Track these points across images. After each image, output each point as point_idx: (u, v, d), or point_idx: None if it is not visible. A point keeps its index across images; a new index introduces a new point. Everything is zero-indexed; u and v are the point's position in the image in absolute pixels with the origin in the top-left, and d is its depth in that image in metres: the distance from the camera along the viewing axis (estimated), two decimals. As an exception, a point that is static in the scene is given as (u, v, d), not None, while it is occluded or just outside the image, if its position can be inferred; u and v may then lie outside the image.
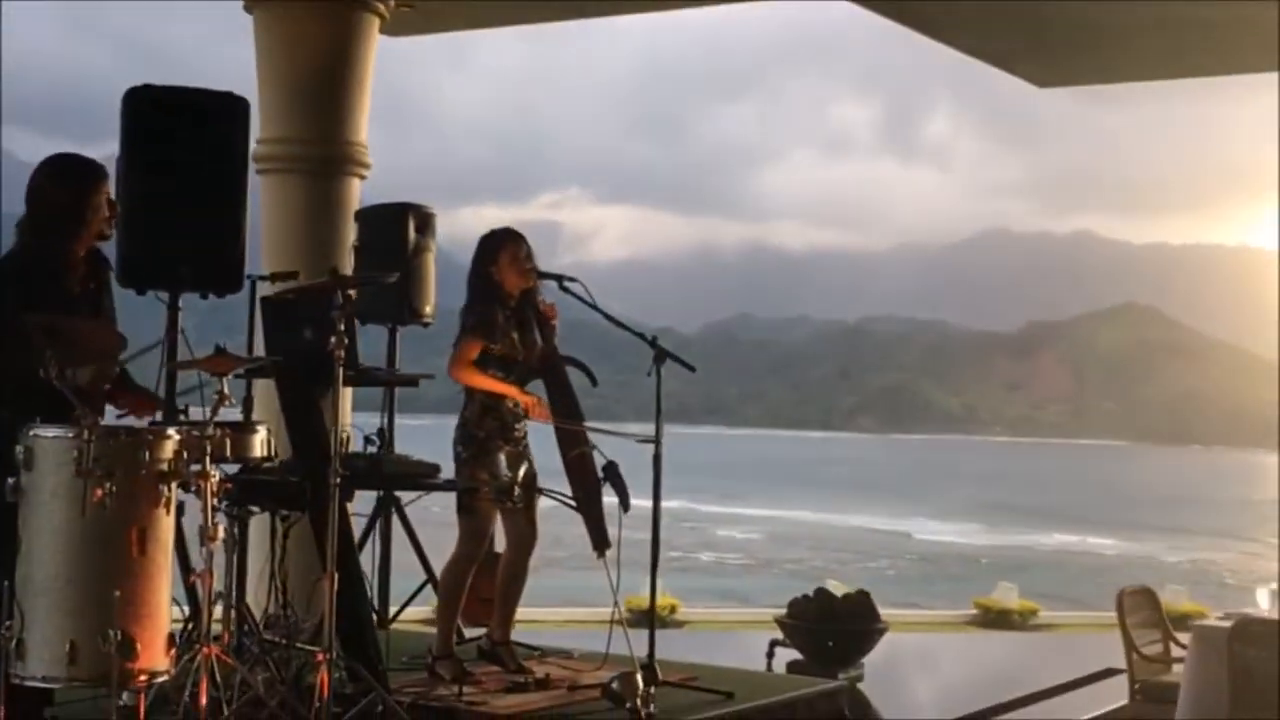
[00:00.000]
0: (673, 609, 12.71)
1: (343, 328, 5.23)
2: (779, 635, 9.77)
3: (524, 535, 6.58)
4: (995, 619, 14.90)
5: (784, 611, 10.02)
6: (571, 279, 6.50)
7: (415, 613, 8.93)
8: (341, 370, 5.23)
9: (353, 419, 7.63)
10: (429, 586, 8.21)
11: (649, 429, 6.13)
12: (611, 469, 6.29)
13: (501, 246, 6.51)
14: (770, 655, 9.61)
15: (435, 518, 7.41)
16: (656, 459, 6.18)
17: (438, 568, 8.18)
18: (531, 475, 6.57)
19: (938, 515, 59.64)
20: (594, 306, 6.45)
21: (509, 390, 6.39)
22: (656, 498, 6.20)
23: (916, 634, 10.91)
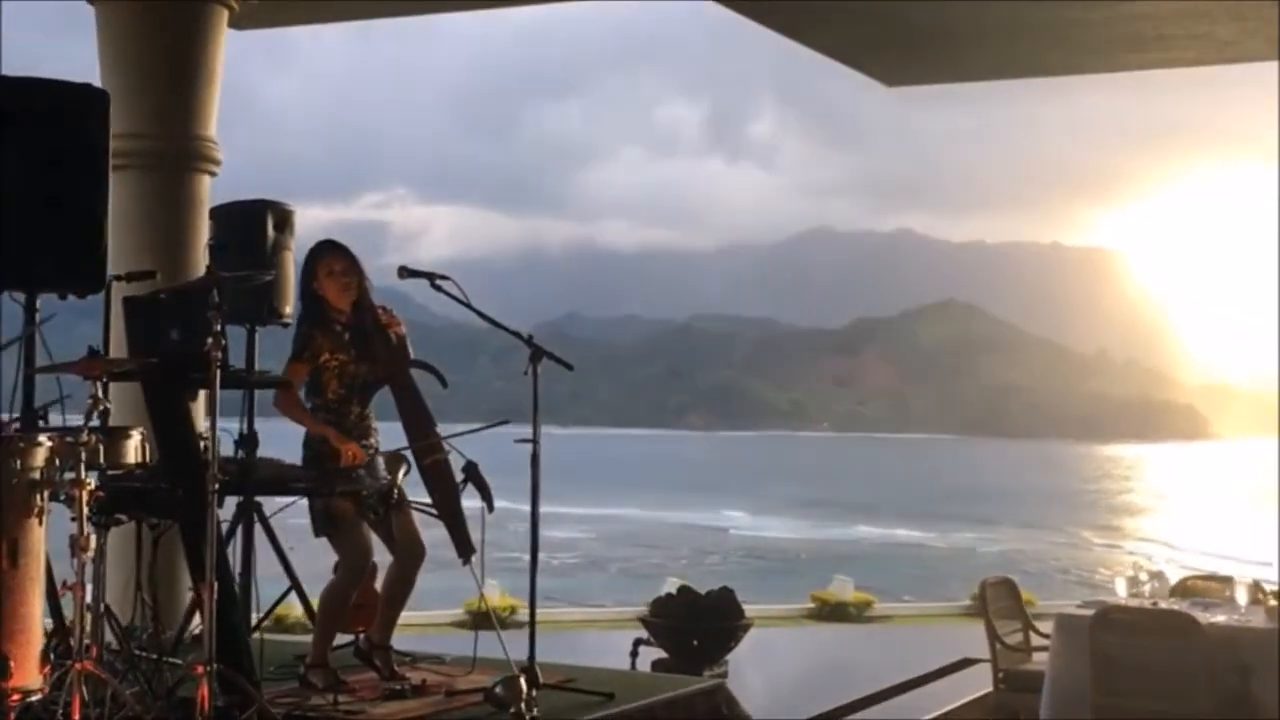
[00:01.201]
0: (513, 610, 12.66)
1: (220, 328, 5.04)
2: (634, 634, 9.76)
3: (409, 547, 6.43)
4: (832, 612, 15.12)
5: (643, 610, 10.01)
6: (444, 277, 6.37)
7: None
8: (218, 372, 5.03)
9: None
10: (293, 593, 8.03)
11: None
12: (472, 469, 6.18)
13: (318, 260, 6.35)
14: (635, 654, 9.58)
15: (291, 523, 7.24)
16: (534, 459, 6.12)
17: (300, 572, 8.04)
18: (392, 484, 6.42)
19: (767, 511, 60.52)
20: (467, 305, 6.34)
21: (324, 431, 6.18)
22: (535, 497, 6.11)
23: (757, 629, 11.08)
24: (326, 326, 6.28)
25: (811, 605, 15.41)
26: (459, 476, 6.30)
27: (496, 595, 14.51)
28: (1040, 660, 7.77)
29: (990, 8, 9.04)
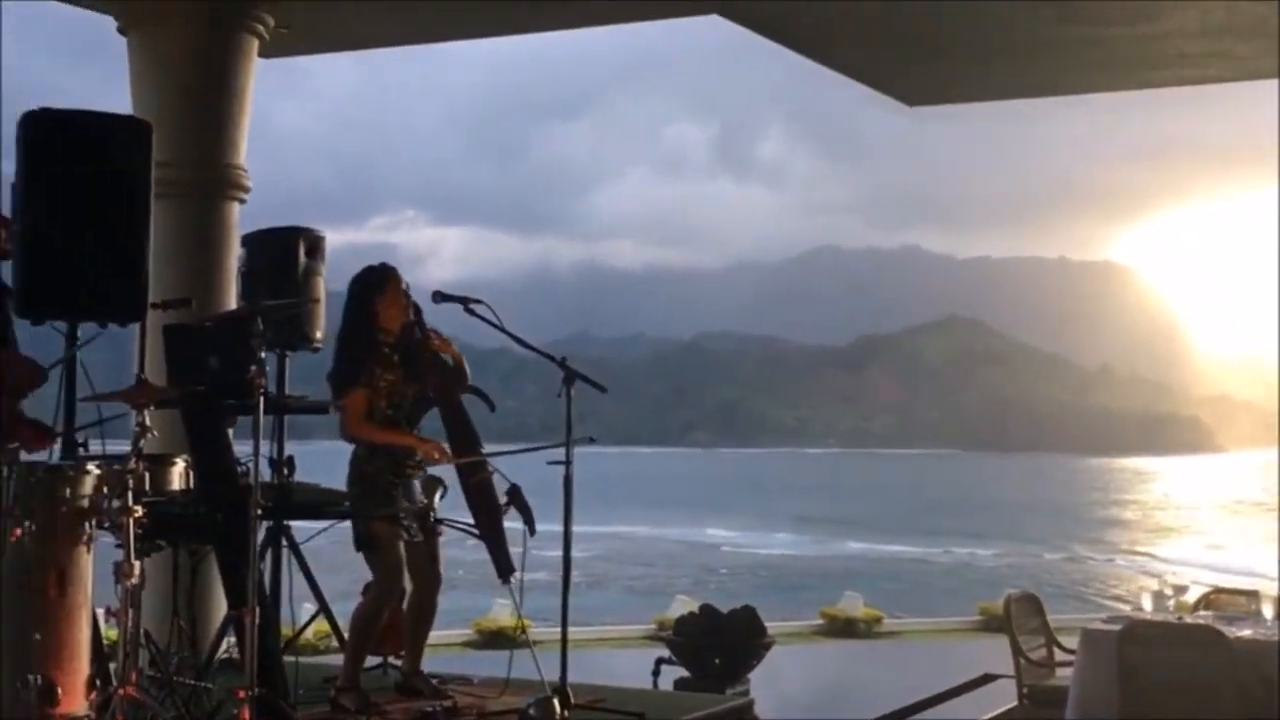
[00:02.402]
0: (524, 629, 12.68)
1: (262, 356, 5.11)
2: (645, 651, 9.79)
3: (428, 573, 6.50)
4: (842, 628, 15.13)
5: (652, 628, 10.04)
6: (477, 301, 6.44)
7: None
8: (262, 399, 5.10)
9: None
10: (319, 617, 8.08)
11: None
12: (515, 492, 6.24)
13: (383, 283, 6.43)
14: (656, 673, 9.60)
15: (322, 548, 7.29)
16: (567, 480, 6.17)
17: (328, 596, 8.09)
18: (431, 507, 6.49)
19: (772, 527, 60.43)
20: (500, 328, 6.41)
21: (410, 441, 6.32)
22: (568, 518, 6.17)
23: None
24: (375, 348, 6.35)
25: (821, 621, 15.44)
26: (501, 498, 6.36)
27: (506, 614, 14.54)
28: (1064, 675, 7.79)
29: (1013, 27, 9.10)
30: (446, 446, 6.46)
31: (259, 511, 5.18)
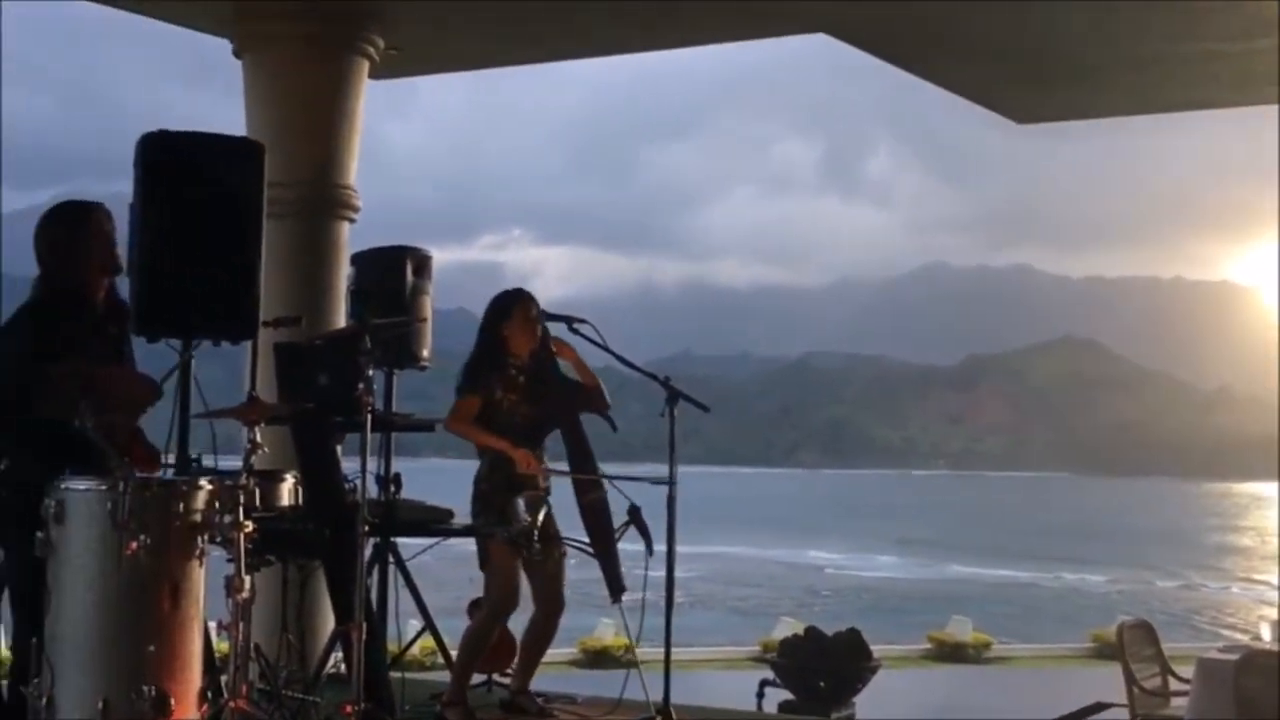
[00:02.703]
0: (627, 649, 12.67)
1: (370, 374, 5.17)
2: (749, 673, 9.75)
3: (551, 597, 6.52)
4: (950, 652, 14.94)
5: (756, 650, 10.00)
6: (581, 320, 6.48)
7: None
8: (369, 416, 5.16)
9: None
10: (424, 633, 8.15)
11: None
12: (635, 512, 6.24)
13: (515, 306, 6.49)
14: (761, 695, 9.57)
15: (428, 565, 7.35)
16: (670, 501, 6.16)
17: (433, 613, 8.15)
18: (551, 526, 6.50)
19: (879, 549, 59.88)
20: (605, 348, 6.42)
21: (499, 444, 6.34)
22: (671, 539, 6.16)
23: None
24: (501, 368, 6.40)
25: (929, 645, 15.28)
26: (621, 518, 6.37)
27: (611, 634, 14.57)
28: (1179, 705, 7.65)
29: (1127, 43, 8.96)
30: (546, 481, 6.49)
31: (365, 528, 5.23)
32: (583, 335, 6.47)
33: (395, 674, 6.82)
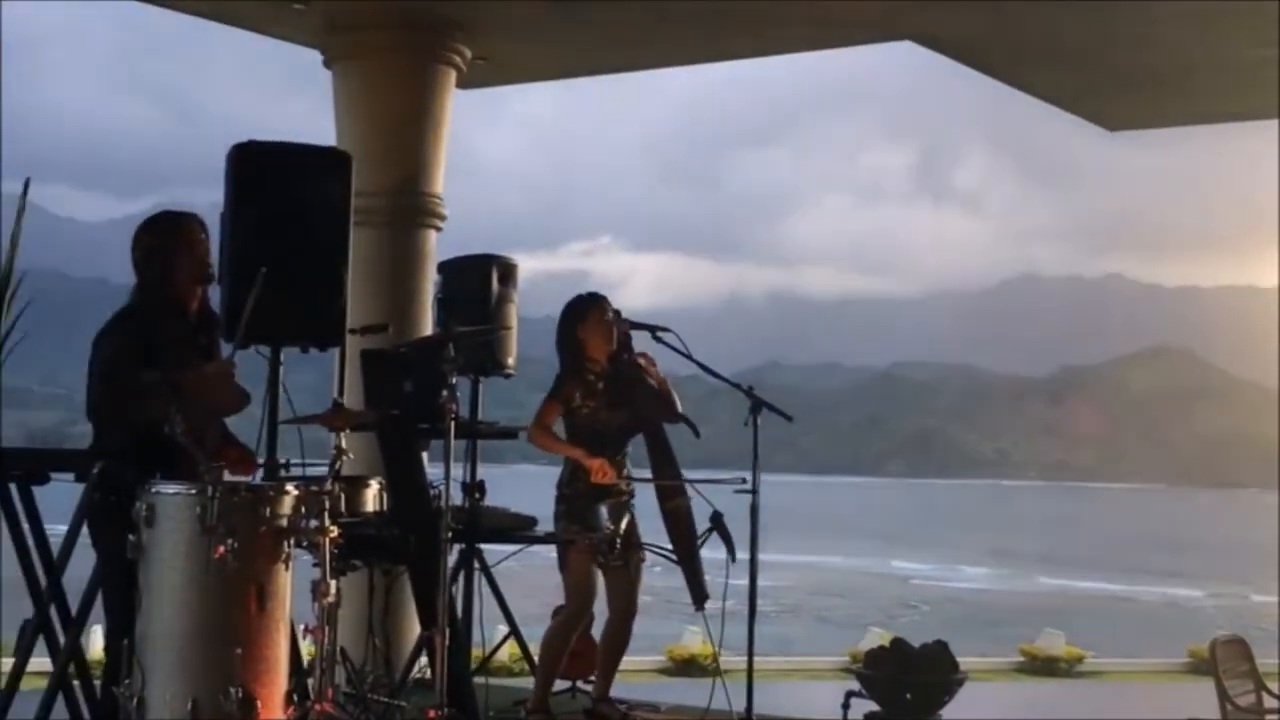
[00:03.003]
0: (713, 657, 12.63)
1: (454, 381, 5.22)
2: (837, 684, 9.68)
3: (625, 602, 6.54)
4: (1041, 666, 14.77)
5: (844, 660, 9.93)
6: (665, 329, 6.49)
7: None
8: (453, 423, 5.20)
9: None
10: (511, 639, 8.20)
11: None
12: (718, 519, 6.23)
13: (589, 311, 6.51)
14: (846, 706, 9.49)
15: (503, 569, 7.39)
16: (754, 509, 6.15)
17: (520, 619, 8.19)
18: (633, 533, 6.52)
19: (969, 560, 59.32)
20: (689, 356, 6.43)
21: (574, 453, 6.38)
22: (754, 547, 6.16)
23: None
24: (580, 374, 6.44)
25: (1020, 659, 15.11)
26: (704, 525, 6.37)
27: (699, 642, 14.54)
28: (1274, 724, 7.51)
29: (1217, 48, 8.83)
30: (628, 487, 6.51)
31: (448, 534, 5.27)
32: (666, 344, 6.48)
33: (481, 680, 6.90)
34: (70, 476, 5.44)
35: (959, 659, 10.58)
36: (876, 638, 13.17)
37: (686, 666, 14.28)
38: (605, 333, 6.48)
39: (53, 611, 5.85)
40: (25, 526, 5.78)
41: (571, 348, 6.49)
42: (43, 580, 5.82)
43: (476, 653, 7.40)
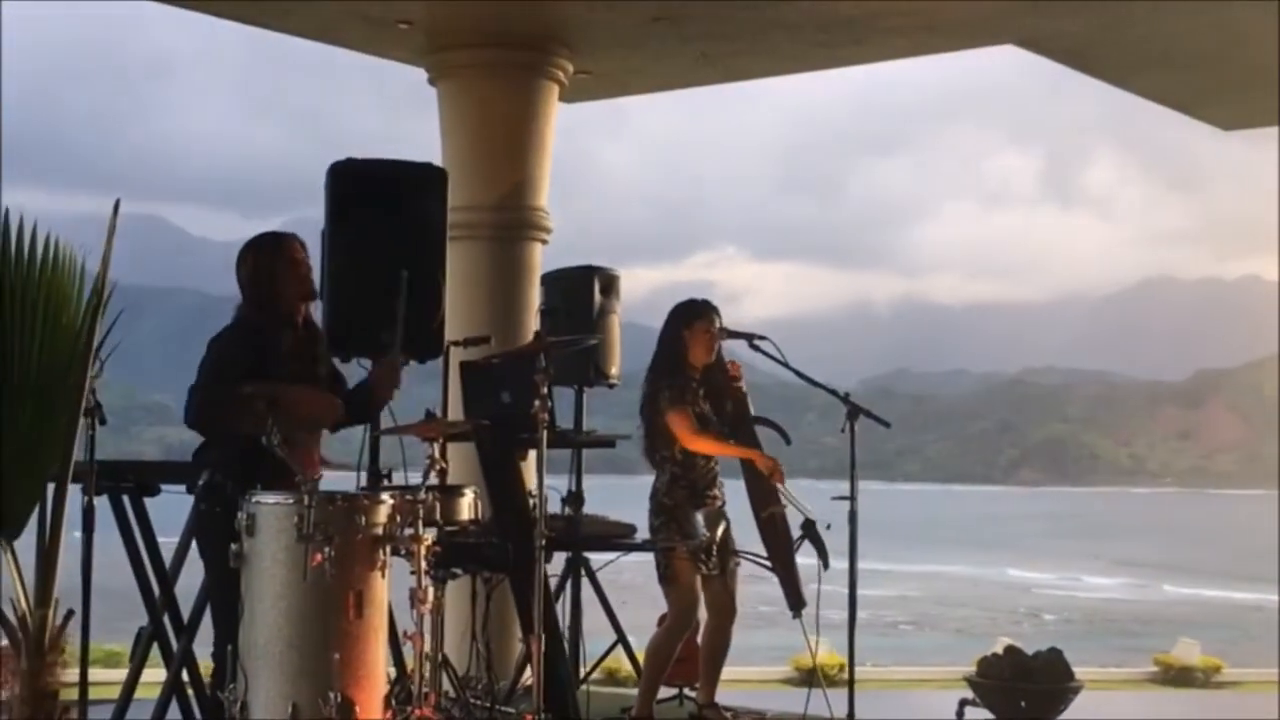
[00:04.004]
0: (841, 668, 12.57)
1: (546, 391, 5.29)
2: (960, 694, 9.57)
3: (723, 605, 6.56)
4: (1176, 676, 14.44)
5: (971, 670, 9.80)
6: (762, 337, 6.50)
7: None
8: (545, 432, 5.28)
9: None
10: (619, 647, 8.26)
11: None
12: (809, 527, 6.23)
13: (695, 317, 6.55)
14: (960, 714, 9.41)
15: (623, 579, 7.44)
16: (852, 516, 6.14)
17: (627, 628, 8.25)
18: (728, 540, 6.54)
19: (1103, 569, 58.27)
20: (785, 364, 6.44)
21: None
22: (853, 555, 6.15)
23: (1096, 692, 10.59)
24: (682, 380, 6.48)
25: (1154, 669, 14.79)
26: (796, 532, 6.38)
27: (825, 652, 14.48)
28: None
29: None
30: (721, 493, 6.53)
31: (543, 542, 5.35)
32: (764, 352, 6.49)
33: (592, 688, 6.96)
34: (181, 488, 5.63)
35: (1091, 669, 10.42)
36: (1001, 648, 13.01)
37: (811, 677, 14.20)
38: (708, 343, 6.51)
39: (166, 620, 6.06)
40: (138, 537, 5.98)
41: (674, 348, 6.52)
42: (155, 589, 6.02)
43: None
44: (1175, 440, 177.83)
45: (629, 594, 7.52)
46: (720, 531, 6.47)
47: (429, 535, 5.15)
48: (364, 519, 4.85)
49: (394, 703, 5.13)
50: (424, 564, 5.06)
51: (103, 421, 4.87)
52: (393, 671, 6.01)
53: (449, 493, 5.57)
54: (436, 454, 5.17)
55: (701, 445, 6.40)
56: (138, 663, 6.14)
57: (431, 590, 5.20)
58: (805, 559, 6.46)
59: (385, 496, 5.00)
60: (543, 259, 9.01)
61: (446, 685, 6.06)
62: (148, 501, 5.99)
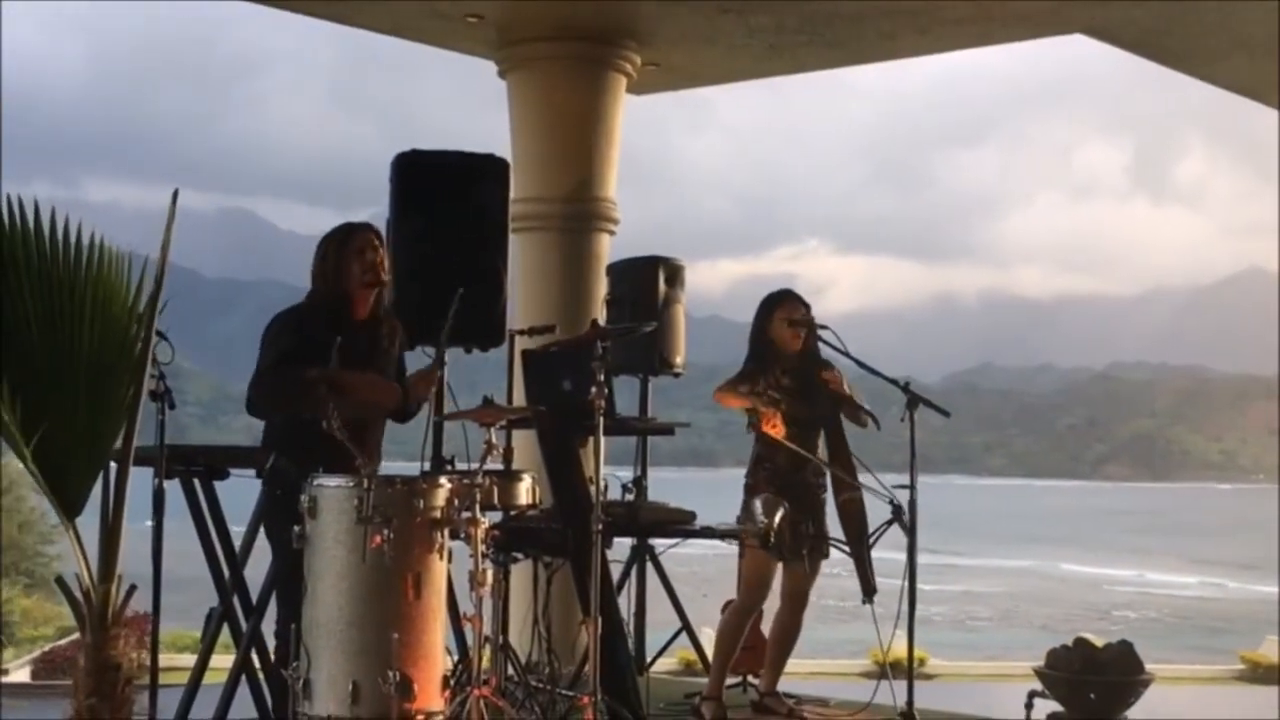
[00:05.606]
0: (921, 661, 12.56)
1: (602, 378, 5.37)
2: (1033, 687, 9.55)
3: (795, 595, 6.61)
4: (1263, 674, 14.32)
5: (1040, 663, 9.77)
6: (823, 326, 6.55)
7: (665, 663, 9.02)
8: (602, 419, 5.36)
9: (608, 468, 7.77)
10: (684, 634, 8.34)
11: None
12: (899, 512, 6.23)
13: (779, 305, 6.60)
14: (1029, 706, 9.38)
15: (692, 568, 7.50)
16: (912, 505, 6.16)
17: (693, 616, 8.33)
18: (806, 527, 6.54)
19: (1192, 567, 57.54)
20: (845, 353, 6.47)
21: (748, 401, 6.44)
22: (912, 545, 6.17)
23: (1182, 688, 10.46)
24: (768, 369, 6.54)
25: (1241, 667, 14.69)
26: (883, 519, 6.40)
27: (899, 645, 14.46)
28: None
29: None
30: (815, 479, 6.57)
31: (599, 527, 5.43)
32: (825, 342, 6.54)
33: (656, 673, 7.01)
34: (251, 472, 5.77)
35: (1176, 666, 10.36)
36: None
37: (892, 669, 14.23)
38: (790, 329, 6.54)
39: (235, 602, 6.21)
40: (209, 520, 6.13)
41: (758, 337, 6.60)
42: (225, 572, 6.18)
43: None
44: (1267, 435, 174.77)
45: (710, 586, 7.56)
46: (779, 518, 6.49)
47: (487, 519, 5.24)
48: (422, 502, 4.95)
49: (453, 683, 5.22)
50: (481, 547, 5.15)
51: (171, 406, 4.99)
52: (455, 654, 6.12)
53: (507, 477, 5.67)
54: (494, 439, 5.26)
55: (717, 395, 6.49)
56: (208, 643, 6.31)
57: (490, 573, 5.29)
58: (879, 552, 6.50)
59: (443, 480, 5.09)
60: (616, 250, 9.12)
61: (511, 671, 6.16)
62: (218, 487, 6.13)
